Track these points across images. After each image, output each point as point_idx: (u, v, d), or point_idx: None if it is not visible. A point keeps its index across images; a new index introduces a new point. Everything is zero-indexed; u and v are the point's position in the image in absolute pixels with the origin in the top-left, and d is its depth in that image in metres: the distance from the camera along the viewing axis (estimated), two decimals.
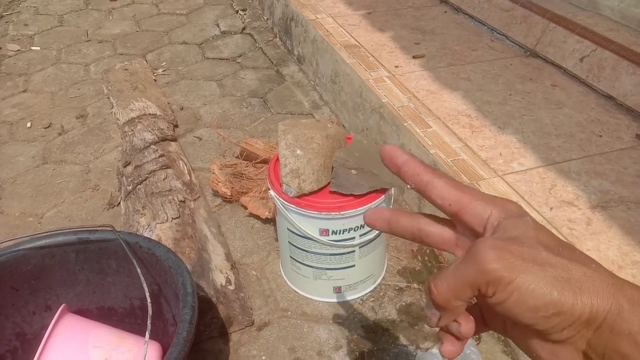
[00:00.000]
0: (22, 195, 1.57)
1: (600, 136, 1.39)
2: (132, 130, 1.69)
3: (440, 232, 0.33)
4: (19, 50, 2.45)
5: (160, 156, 1.54)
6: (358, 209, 1.04)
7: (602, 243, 1.07)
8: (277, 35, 2.50)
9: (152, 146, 1.59)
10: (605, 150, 1.34)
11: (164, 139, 1.66)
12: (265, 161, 1.52)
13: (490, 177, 1.24)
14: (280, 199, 1.07)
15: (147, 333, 0.74)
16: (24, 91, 2.12)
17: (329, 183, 1.07)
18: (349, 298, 1.22)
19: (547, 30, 1.77)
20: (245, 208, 1.44)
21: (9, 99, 2.07)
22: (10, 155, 1.75)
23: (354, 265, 1.15)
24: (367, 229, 1.10)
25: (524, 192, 1.20)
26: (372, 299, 1.22)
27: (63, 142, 1.81)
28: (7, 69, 2.29)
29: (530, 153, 1.33)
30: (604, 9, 1.80)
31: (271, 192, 1.10)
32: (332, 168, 1.08)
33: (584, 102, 1.53)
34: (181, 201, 1.38)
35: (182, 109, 1.97)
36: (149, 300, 0.78)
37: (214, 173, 1.49)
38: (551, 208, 1.16)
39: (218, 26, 2.65)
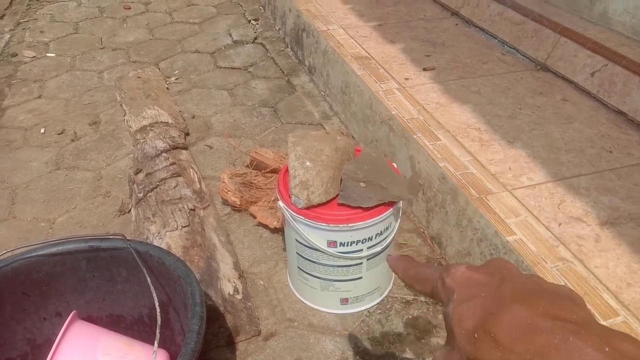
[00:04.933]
0: (34, 201, 1.59)
1: (611, 152, 1.39)
2: (144, 137, 1.72)
3: None
4: (34, 56, 2.49)
5: (171, 164, 1.55)
6: (366, 222, 1.05)
7: (611, 260, 1.07)
8: (289, 46, 2.52)
9: (164, 154, 1.61)
10: (616, 166, 1.34)
11: (175, 147, 1.67)
12: (274, 171, 1.53)
13: (499, 192, 1.24)
14: (288, 209, 1.08)
15: (155, 342, 0.74)
16: (38, 97, 2.16)
17: (337, 195, 1.08)
18: (355, 310, 1.22)
19: (558, 44, 1.77)
20: (254, 217, 1.45)
21: (23, 104, 2.11)
22: (24, 161, 1.78)
23: (361, 277, 1.15)
24: (375, 241, 1.10)
25: (532, 207, 1.20)
26: (379, 311, 1.23)
27: (76, 148, 1.84)
28: (23, 75, 2.33)
29: (539, 168, 1.33)
30: (616, 24, 1.80)
31: (280, 202, 1.11)
32: (341, 180, 1.08)
33: (595, 117, 1.53)
34: (191, 209, 1.39)
35: (193, 117, 1.99)
36: (158, 309, 0.79)
37: (223, 182, 1.51)
38: (560, 224, 1.15)
39: (230, 35, 2.68)
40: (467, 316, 0.28)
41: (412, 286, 0.36)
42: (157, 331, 0.76)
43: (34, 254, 0.95)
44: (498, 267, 0.30)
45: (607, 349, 0.22)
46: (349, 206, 1.05)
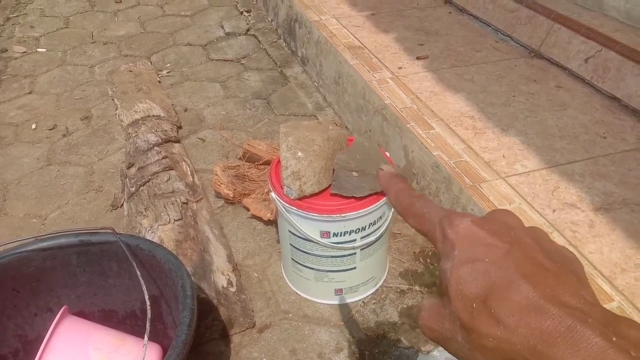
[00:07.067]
0: (26, 197, 1.58)
1: (605, 137, 1.38)
2: (136, 131, 1.70)
3: None
4: (25, 52, 2.46)
5: (164, 158, 1.54)
6: (359, 212, 1.04)
7: (605, 246, 1.06)
8: (281, 37, 2.50)
9: (156, 148, 1.59)
10: (610, 151, 1.33)
11: (167, 141, 1.66)
12: (267, 163, 1.52)
13: (493, 179, 1.24)
14: (281, 201, 1.07)
15: (145, 336, 0.74)
16: (29, 93, 2.14)
17: (330, 185, 1.07)
18: (350, 300, 1.21)
19: (552, 31, 1.76)
20: (248, 210, 1.44)
21: (14, 100, 2.09)
22: (15, 157, 1.76)
23: (355, 268, 1.15)
24: (368, 230, 1.09)
25: (526, 194, 1.19)
26: (374, 301, 1.22)
27: (67, 143, 1.82)
28: (13, 70, 2.31)
29: (533, 155, 1.32)
30: (610, 10, 1.79)
31: (272, 194, 1.10)
32: (334, 170, 1.07)
33: (589, 104, 1.52)
34: (184, 203, 1.38)
35: (185, 110, 1.98)
36: (148, 302, 0.78)
37: (216, 174, 1.50)
38: (554, 210, 1.15)
39: (222, 27, 2.66)
40: (467, 281, 0.26)
41: (403, 217, 0.33)
42: (147, 324, 0.75)
43: (23, 250, 0.94)
44: (505, 224, 0.28)
45: (614, 339, 0.22)
46: (341, 196, 1.04)
